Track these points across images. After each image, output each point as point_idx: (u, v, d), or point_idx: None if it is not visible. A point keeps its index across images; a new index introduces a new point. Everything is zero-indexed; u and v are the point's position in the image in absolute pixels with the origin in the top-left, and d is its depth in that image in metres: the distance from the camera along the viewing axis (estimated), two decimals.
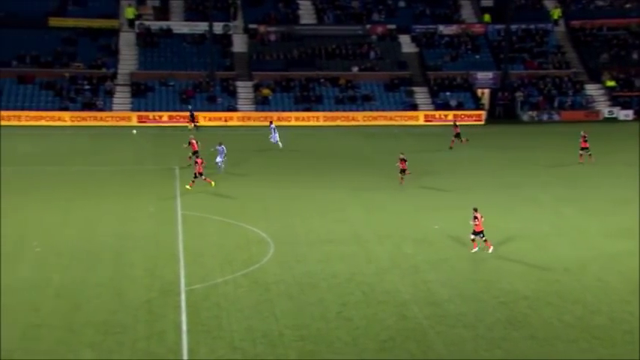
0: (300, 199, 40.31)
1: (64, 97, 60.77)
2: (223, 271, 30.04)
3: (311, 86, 65.49)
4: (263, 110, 63.16)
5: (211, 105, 62.75)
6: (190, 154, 45.06)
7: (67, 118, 59.24)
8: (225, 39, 67.80)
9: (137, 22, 67.49)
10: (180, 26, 68.31)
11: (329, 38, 69.31)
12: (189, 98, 62.57)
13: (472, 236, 31.89)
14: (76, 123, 58.94)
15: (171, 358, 23.10)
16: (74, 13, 67.32)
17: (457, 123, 54.27)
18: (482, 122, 64.71)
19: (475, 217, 31.70)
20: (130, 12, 67.68)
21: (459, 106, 65.41)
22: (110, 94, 62.07)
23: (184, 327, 25.01)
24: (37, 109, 59.69)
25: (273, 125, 52.80)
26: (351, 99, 65.13)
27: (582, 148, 47.85)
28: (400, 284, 28.93)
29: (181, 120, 60.53)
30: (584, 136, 47.95)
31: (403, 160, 42.11)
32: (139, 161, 48.41)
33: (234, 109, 62.82)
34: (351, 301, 27.39)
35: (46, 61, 63.22)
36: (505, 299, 27.39)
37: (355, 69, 67.38)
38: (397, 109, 64.73)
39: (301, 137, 57.59)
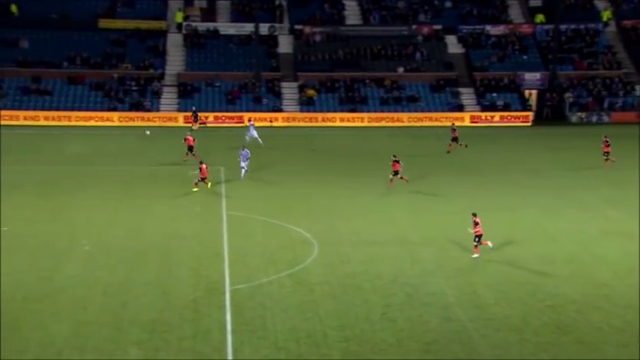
0: (344, 199, 40.30)
1: (112, 98, 61.66)
2: (268, 271, 30.18)
3: (356, 87, 65.44)
4: (308, 111, 63.30)
5: (257, 106, 63.10)
6: (186, 150, 46.55)
7: (115, 119, 60.12)
8: (271, 40, 68.14)
9: (184, 24, 68.21)
10: (226, 27, 68.83)
11: (374, 39, 69.19)
12: (235, 99, 63.01)
13: (475, 242, 31.49)
14: (124, 123, 59.76)
15: (217, 357, 23.28)
16: (123, 14, 68.30)
17: (455, 127, 52.49)
18: (530, 123, 63.97)
19: (475, 223, 31.39)
20: (179, 16, 68.45)
21: (506, 107, 64.76)
22: (157, 94, 62.82)
23: (229, 326, 25.19)
24: (87, 109, 60.66)
25: (251, 122, 53.94)
26: (396, 100, 64.91)
27: (605, 153, 46.61)
28: (445, 286, 28.74)
29: (227, 120, 60.98)
30: (606, 141, 46.73)
31: (396, 162, 41.40)
32: (186, 161, 48.83)
33: (279, 110, 63.09)
34: (395, 302, 27.30)
35: (96, 62, 64.23)
36: (552, 303, 27.03)
37: (401, 70, 67.15)
38: (442, 110, 64.33)
39: (346, 138, 57.57)
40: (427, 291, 28.29)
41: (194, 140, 46.97)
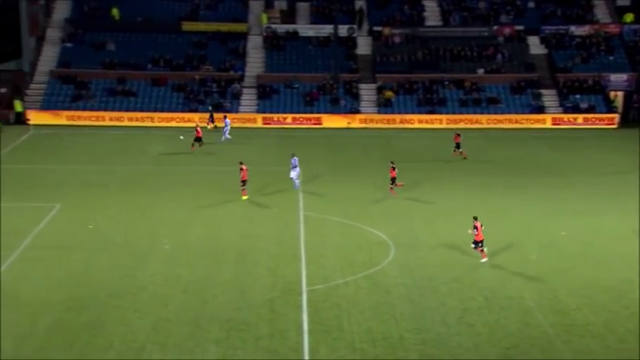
0: (421, 201, 40.04)
1: (193, 99, 62.79)
2: (344, 272, 30.23)
3: (434, 88, 64.92)
4: (386, 113, 63.12)
5: (334, 107, 63.26)
6: (193, 140, 49.73)
7: (196, 120, 61.15)
8: (350, 41, 68.22)
9: (264, 26, 68.95)
10: (306, 29, 69.25)
11: (454, 40, 68.49)
12: (313, 100, 63.34)
13: (473, 245, 31.00)
14: (204, 124, 60.73)
15: (293, 357, 23.45)
16: (205, 17, 69.49)
17: (459, 132, 51.01)
18: (615, 126, 62.20)
19: (475, 227, 30.81)
20: (264, 18, 69.22)
21: (590, 110, 63.12)
22: (237, 96, 63.68)
23: (305, 326, 25.35)
24: (169, 110, 61.94)
25: (228, 121, 54.57)
26: (476, 101, 64.09)
27: None
28: (524, 291, 28.24)
29: (305, 122, 61.32)
30: None
31: (393, 169, 40.57)
32: (264, 162, 49.38)
33: (357, 112, 63.10)
34: (473, 306, 26.98)
35: (178, 64, 65.54)
36: (638, 310, 26.22)
37: (480, 71, 66.26)
38: (523, 112, 63.18)
39: (424, 139, 57.16)
40: (506, 295, 27.86)
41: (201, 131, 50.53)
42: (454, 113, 62.99)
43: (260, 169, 47.11)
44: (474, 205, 39.26)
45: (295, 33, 68.74)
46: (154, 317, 25.91)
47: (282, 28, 68.93)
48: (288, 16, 70.36)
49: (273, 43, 67.84)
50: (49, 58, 65.23)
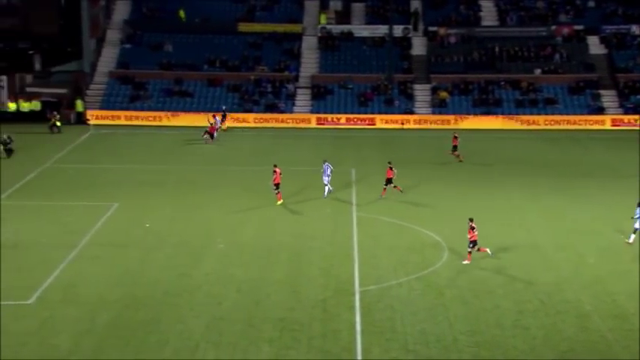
0: (475, 203, 39.66)
1: (248, 100, 63.30)
2: (397, 273, 30.15)
3: (490, 89, 64.24)
4: (440, 113, 62.69)
5: (388, 107, 63.10)
6: (205, 132, 52.87)
7: (250, 120, 61.67)
8: (405, 41, 67.95)
9: (319, 26, 69.14)
10: (360, 29, 69.22)
11: (511, 40, 67.68)
12: (367, 101, 63.26)
13: (470, 248, 30.62)
14: (259, 124, 61.23)
15: (346, 357, 23.47)
16: (261, 18, 70.01)
17: (457, 135, 49.67)
18: None
19: (472, 228, 30.49)
20: (323, 18, 69.43)
21: None
22: (292, 96, 63.98)
23: (358, 327, 25.35)
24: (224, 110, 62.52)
25: (217, 118, 55.49)
26: (532, 102, 63.21)
27: None
28: (581, 294, 27.79)
29: (359, 122, 61.29)
30: None
31: (390, 169, 39.81)
32: (318, 162, 49.43)
33: (411, 112, 62.82)
34: (528, 309, 26.64)
35: (233, 65, 66.15)
36: None
37: (538, 71, 65.34)
38: (582, 113, 62.07)
39: (479, 141, 56.60)
40: (562, 298, 27.44)
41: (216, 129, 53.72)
42: (510, 114, 62.24)
43: (314, 169, 47.24)
44: (527, 207, 38.78)
45: (350, 33, 68.75)
46: (209, 316, 26.20)
47: (337, 28, 69.02)
48: (343, 16, 70.41)
49: (327, 43, 67.97)
50: (108, 59, 66.50)
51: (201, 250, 32.77)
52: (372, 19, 70.02)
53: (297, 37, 68.63)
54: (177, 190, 42.11)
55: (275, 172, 38.80)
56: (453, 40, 68.12)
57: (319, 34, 68.76)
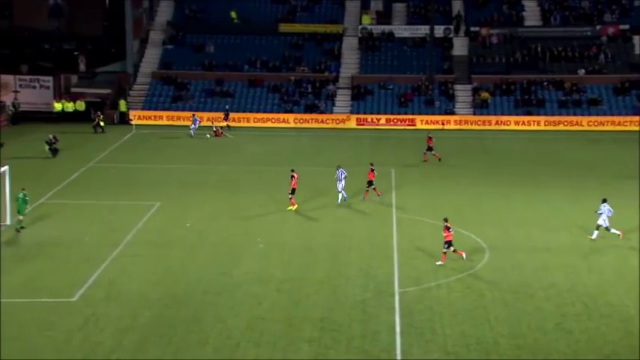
0: (517, 204, 39.30)
1: (288, 100, 63.50)
2: (437, 274, 29.99)
3: (533, 89, 63.57)
4: (481, 114, 62.21)
5: (429, 108, 62.79)
6: (220, 127, 55.21)
7: (290, 120, 61.85)
8: (446, 42, 67.57)
9: (360, 27, 69.06)
10: (401, 30, 69.01)
11: (554, 40, 66.89)
12: (407, 101, 63.03)
13: (445, 249, 30.46)
14: (298, 125, 61.36)
15: (385, 358, 23.42)
16: (302, 19, 70.18)
17: (431, 135, 49.41)
18: None
19: (447, 228, 30.28)
20: (366, 18, 69.36)
21: None
22: (331, 97, 64.03)
23: (398, 328, 25.28)
24: (264, 111, 62.84)
25: (197, 118, 56.39)
26: (576, 103, 62.39)
27: None
28: (626, 298, 27.36)
29: (398, 123, 61.10)
30: None
31: (372, 171, 39.33)
32: (357, 163, 49.42)
33: (452, 113, 62.44)
34: (571, 312, 26.32)
35: (274, 66, 66.42)
36: None
37: (582, 72, 64.47)
38: (627, 114, 61.11)
39: (521, 142, 56.09)
40: (606, 302, 27.05)
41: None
42: (553, 114, 61.54)
43: (354, 170, 47.21)
44: (570, 209, 38.29)
45: (391, 34, 68.57)
46: (249, 315, 26.33)
47: (377, 28, 68.88)
48: (384, 16, 70.24)
49: (368, 43, 67.89)
50: (151, 59, 67.24)
51: (241, 249, 32.95)
52: (413, 19, 69.75)
53: (338, 38, 68.66)
54: (219, 189, 42.41)
55: (293, 177, 38.02)
56: (495, 40, 67.55)
57: (360, 35, 68.70)
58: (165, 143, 54.61)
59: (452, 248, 30.80)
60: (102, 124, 57.39)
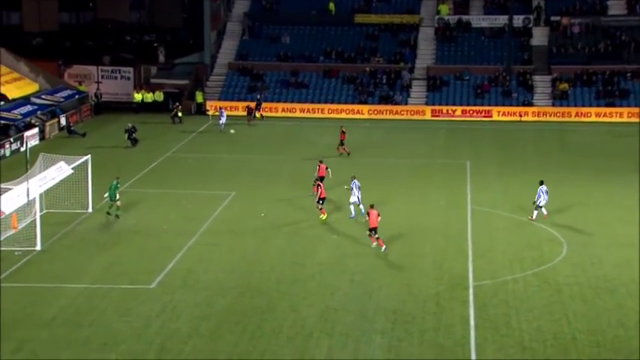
0: (597, 199, 38.35)
1: (362, 91, 63.32)
2: (513, 268, 29.52)
3: (616, 80, 61.76)
4: (561, 105, 60.81)
5: (506, 99, 61.70)
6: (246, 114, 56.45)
7: (365, 111, 61.68)
8: (525, 32, 66.26)
9: (436, 17, 68.32)
10: (479, 20, 67.95)
11: (639, 29, 64.80)
12: (484, 92, 62.10)
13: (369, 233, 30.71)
14: (373, 116, 61.14)
15: (459, 352, 23.19)
16: (378, 9, 69.84)
17: (344, 130, 47.61)
18: None
19: (367, 214, 30.51)
20: (444, 9, 68.64)
21: None
22: (407, 88, 63.56)
23: (472, 322, 25.00)
24: (339, 102, 62.81)
25: (223, 110, 55.97)
26: None
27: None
28: None
29: (474, 114, 60.28)
30: None
31: (325, 168, 38.36)
32: (432, 155, 49.04)
33: (530, 104, 61.21)
34: None
35: (349, 57, 66.32)
36: None
37: None
38: None
39: (601, 134, 54.61)
40: None
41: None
42: (637, 106, 59.66)
43: (429, 162, 46.86)
44: None
45: (468, 24, 67.60)
46: (322, 305, 26.44)
47: (454, 19, 68.01)
48: (462, 6, 69.26)
49: (444, 34, 67.12)
50: (228, 51, 67.99)
51: (315, 240, 33.08)
52: (491, 9, 68.57)
53: (414, 28, 68.08)
54: (292, 180, 42.62)
55: (319, 185, 35.51)
56: (576, 29, 65.86)
57: (436, 25, 67.96)
58: (240, 134, 55.18)
59: (376, 235, 31.09)
60: (180, 114, 58.39)
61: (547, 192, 34.98)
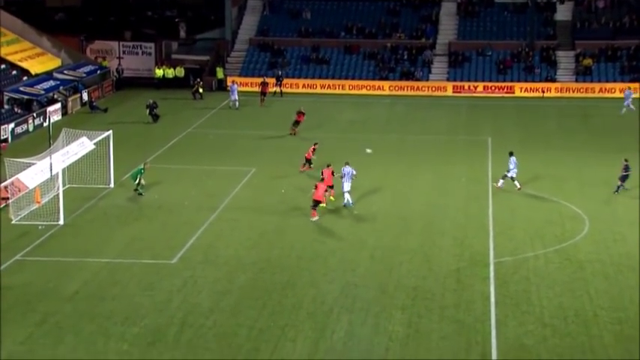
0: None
1: (383, 67, 62.97)
2: (534, 245, 29.42)
3: None
4: (584, 81, 60.17)
5: (528, 75, 61.14)
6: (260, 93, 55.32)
7: (386, 87, 61.38)
8: (549, 7, 65.45)
9: None
10: None
11: None
12: (506, 68, 61.53)
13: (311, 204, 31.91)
14: (394, 92, 60.84)
15: (479, 328, 23.20)
16: None
17: (303, 111, 47.00)
18: None
19: (315, 187, 31.94)
20: None
21: None
22: (428, 64, 63.14)
23: (492, 298, 24.98)
24: (360, 78, 62.54)
25: (234, 85, 55.18)
26: None
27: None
28: None
29: (497, 91, 59.80)
30: None
31: (313, 150, 38.74)
32: (453, 131, 48.78)
33: (553, 80, 60.61)
34: None
35: (370, 32, 65.92)
36: None
37: None
38: None
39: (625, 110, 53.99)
40: None
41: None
42: None
43: (450, 139, 46.62)
44: None
45: None
46: (342, 281, 26.51)
47: None
48: None
49: (467, 9, 66.46)
50: (248, 26, 67.80)
51: (336, 216, 33.08)
52: None
53: (436, 4, 67.44)
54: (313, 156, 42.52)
55: (324, 172, 34.28)
56: (601, 4, 64.97)
57: (458, 0, 67.29)
58: (261, 110, 55.14)
59: (316, 207, 31.96)
60: (200, 90, 58.43)
61: (517, 164, 35.41)
